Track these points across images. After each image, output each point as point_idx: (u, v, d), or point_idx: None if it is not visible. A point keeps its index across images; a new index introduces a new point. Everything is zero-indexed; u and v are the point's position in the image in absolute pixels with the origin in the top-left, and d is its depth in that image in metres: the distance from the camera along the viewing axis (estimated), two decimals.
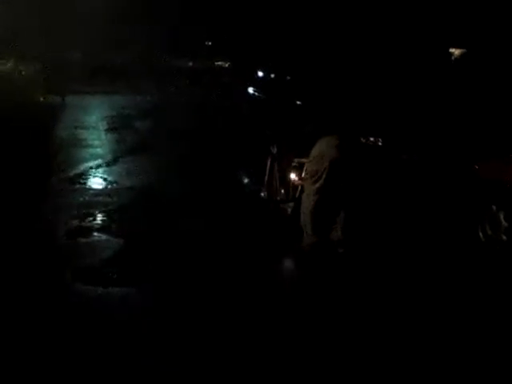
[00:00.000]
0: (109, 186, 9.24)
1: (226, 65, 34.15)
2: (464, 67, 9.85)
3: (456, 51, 10.88)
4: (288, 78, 13.52)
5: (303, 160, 6.82)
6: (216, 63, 34.80)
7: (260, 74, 15.69)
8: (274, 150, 7.73)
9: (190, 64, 35.59)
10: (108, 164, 10.81)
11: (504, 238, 6.57)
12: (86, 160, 11.10)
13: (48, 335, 4.56)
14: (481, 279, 5.92)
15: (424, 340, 4.65)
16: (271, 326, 4.81)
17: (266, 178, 7.83)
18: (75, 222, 7.30)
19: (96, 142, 13.19)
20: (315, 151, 6.43)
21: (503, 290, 5.68)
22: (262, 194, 7.94)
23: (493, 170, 6.95)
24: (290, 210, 7.23)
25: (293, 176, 7.24)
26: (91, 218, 7.49)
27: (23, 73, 19.56)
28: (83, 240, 6.75)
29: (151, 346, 4.43)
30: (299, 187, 7.01)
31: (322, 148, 6.36)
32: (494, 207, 6.74)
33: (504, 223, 6.60)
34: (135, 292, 5.49)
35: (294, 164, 7.20)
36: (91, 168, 10.41)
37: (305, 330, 4.78)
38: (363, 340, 4.63)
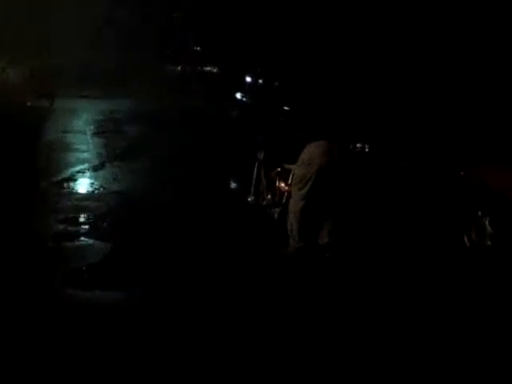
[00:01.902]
0: (96, 191, 9.22)
1: (215, 70, 34.18)
2: (450, 75, 9.91)
3: None
4: (276, 83, 13.53)
5: (291, 166, 6.84)
6: (205, 68, 34.83)
7: (248, 79, 15.68)
8: (261, 156, 7.76)
9: (179, 69, 35.61)
10: (95, 169, 10.78)
11: (489, 243, 6.62)
12: (73, 164, 11.06)
13: (37, 339, 4.55)
14: (466, 285, 5.96)
15: (410, 345, 4.67)
16: (257, 330, 4.82)
17: (253, 183, 7.86)
18: (62, 226, 7.28)
19: (83, 147, 13.13)
20: (303, 156, 6.46)
21: (487, 295, 5.72)
22: (249, 199, 7.95)
23: (478, 177, 7.00)
24: (276, 214, 7.25)
25: (279, 181, 7.27)
26: (78, 223, 7.49)
27: (11, 75, 19.46)
28: (71, 244, 6.74)
29: (141, 351, 4.43)
30: (286, 193, 7.03)
31: (310, 153, 6.39)
32: (480, 213, 6.79)
33: (489, 229, 6.65)
34: (124, 296, 5.49)
35: (280, 169, 7.23)
36: (78, 172, 10.39)
37: (291, 334, 4.79)
38: (349, 345, 4.65)
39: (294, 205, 6.49)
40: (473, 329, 4.99)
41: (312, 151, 6.40)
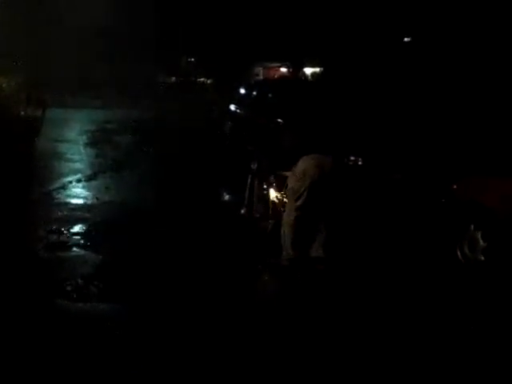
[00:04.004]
0: (88, 201, 9.18)
1: (209, 81, 34.29)
2: (447, 88, 9.95)
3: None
4: (270, 95, 13.56)
5: (286, 173, 6.81)
6: (198, 79, 34.94)
7: (242, 90, 15.72)
8: (255, 167, 7.75)
9: (173, 79, 35.70)
10: (88, 179, 10.76)
11: (482, 257, 6.61)
12: (66, 174, 11.05)
13: (27, 351, 4.50)
14: (459, 299, 5.95)
15: (402, 360, 4.66)
16: (249, 345, 4.80)
17: (247, 195, 7.84)
18: (54, 237, 7.23)
19: (76, 157, 13.15)
20: (297, 169, 6.46)
21: (480, 310, 5.71)
22: (242, 211, 7.94)
23: (470, 190, 7.00)
24: (269, 227, 7.24)
25: (273, 193, 7.26)
26: (70, 233, 7.44)
27: (4, 85, 19.42)
28: (62, 255, 6.69)
29: (132, 363, 4.40)
30: (279, 205, 7.03)
31: (304, 167, 6.40)
32: (472, 227, 6.79)
33: (481, 243, 6.65)
34: (116, 308, 5.44)
35: (273, 180, 7.22)
36: (71, 182, 10.36)
37: (283, 347, 4.77)
38: (340, 359, 4.63)
39: (288, 216, 6.49)
40: (466, 342, 4.99)
41: (305, 165, 6.41)
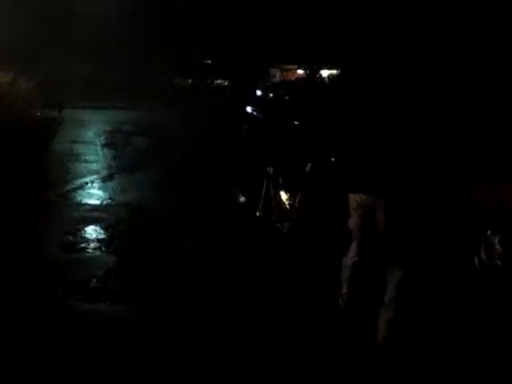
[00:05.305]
0: (104, 202, 9.21)
1: (226, 83, 34.30)
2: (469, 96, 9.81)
3: None
4: (286, 97, 13.52)
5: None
6: (215, 81, 34.96)
7: (259, 92, 15.71)
8: (271, 170, 7.74)
9: (190, 82, 35.75)
10: (104, 180, 10.80)
11: (498, 262, 6.54)
12: (82, 175, 11.10)
13: (39, 351, 4.51)
14: (476, 305, 5.89)
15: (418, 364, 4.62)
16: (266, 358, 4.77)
17: (262, 197, 7.83)
18: (69, 237, 7.26)
19: (92, 158, 13.20)
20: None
21: (497, 316, 5.65)
22: (258, 214, 7.92)
23: (487, 195, 6.93)
24: (285, 229, 7.23)
25: (287, 196, 7.25)
26: (85, 234, 7.46)
27: (23, 86, 19.62)
28: (76, 255, 6.71)
29: (145, 365, 4.39)
30: (294, 208, 7.02)
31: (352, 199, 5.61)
32: (489, 232, 6.72)
33: (498, 248, 6.57)
34: (129, 309, 5.44)
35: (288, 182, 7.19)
36: (87, 183, 10.41)
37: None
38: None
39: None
40: (482, 348, 4.94)
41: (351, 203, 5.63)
